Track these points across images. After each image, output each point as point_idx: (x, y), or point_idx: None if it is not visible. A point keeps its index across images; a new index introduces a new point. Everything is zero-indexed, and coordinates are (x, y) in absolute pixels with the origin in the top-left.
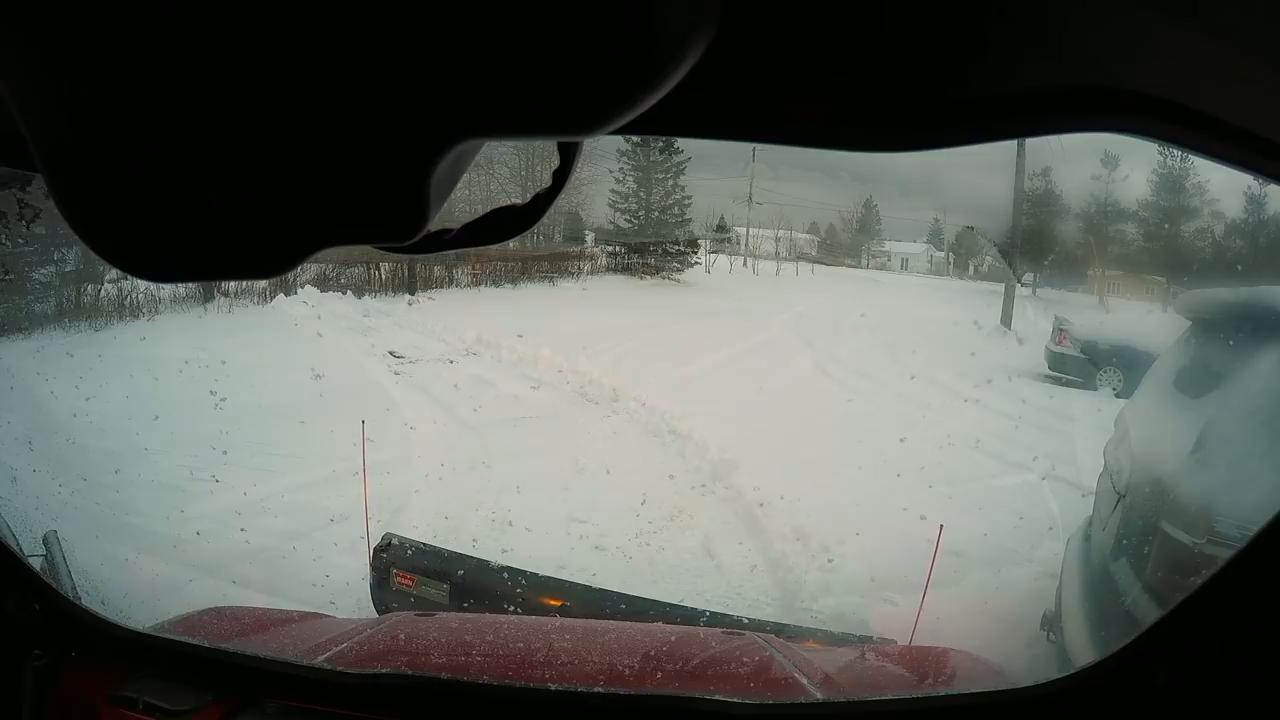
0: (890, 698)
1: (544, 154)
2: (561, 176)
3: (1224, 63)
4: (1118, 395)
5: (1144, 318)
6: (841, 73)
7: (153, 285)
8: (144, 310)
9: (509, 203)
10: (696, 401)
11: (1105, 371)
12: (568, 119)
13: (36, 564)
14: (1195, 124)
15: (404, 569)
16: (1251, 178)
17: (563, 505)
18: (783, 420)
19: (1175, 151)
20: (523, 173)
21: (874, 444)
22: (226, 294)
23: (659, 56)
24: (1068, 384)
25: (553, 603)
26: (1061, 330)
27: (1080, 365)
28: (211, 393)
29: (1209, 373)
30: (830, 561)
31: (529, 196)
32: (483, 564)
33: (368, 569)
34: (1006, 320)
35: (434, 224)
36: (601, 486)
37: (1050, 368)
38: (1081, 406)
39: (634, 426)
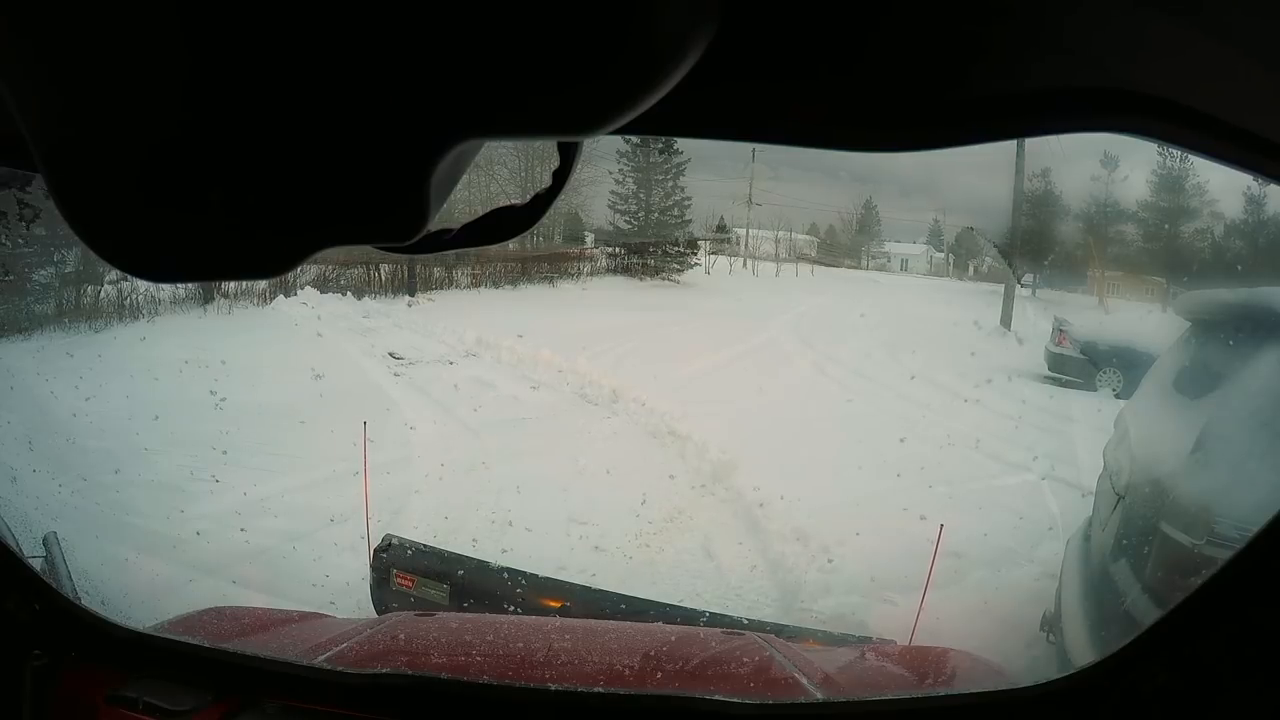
0: (890, 698)
1: (544, 155)
2: (561, 177)
3: (1224, 62)
4: (1117, 396)
5: (1144, 318)
6: (841, 73)
7: (152, 286)
8: (144, 312)
9: (509, 203)
10: (696, 402)
11: (1105, 372)
12: (568, 119)
13: (36, 565)
14: (1195, 124)
15: (404, 570)
16: (1251, 178)
17: (563, 506)
18: (782, 421)
19: (1175, 152)
20: (522, 174)
21: (874, 444)
22: (226, 295)
23: (659, 57)
24: (1067, 385)
25: (552, 604)
26: (1061, 331)
27: (1080, 366)
28: (211, 392)
29: (1208, 374)
30: (830, 562)
31: (529, 197)
32: (483, 565)
33: (368, 569)
34: (1006, 321)
35: (434, 224)
36: (601, 487)
37: (1050, 368)
38: (1081, 407)
39: (634, 427)
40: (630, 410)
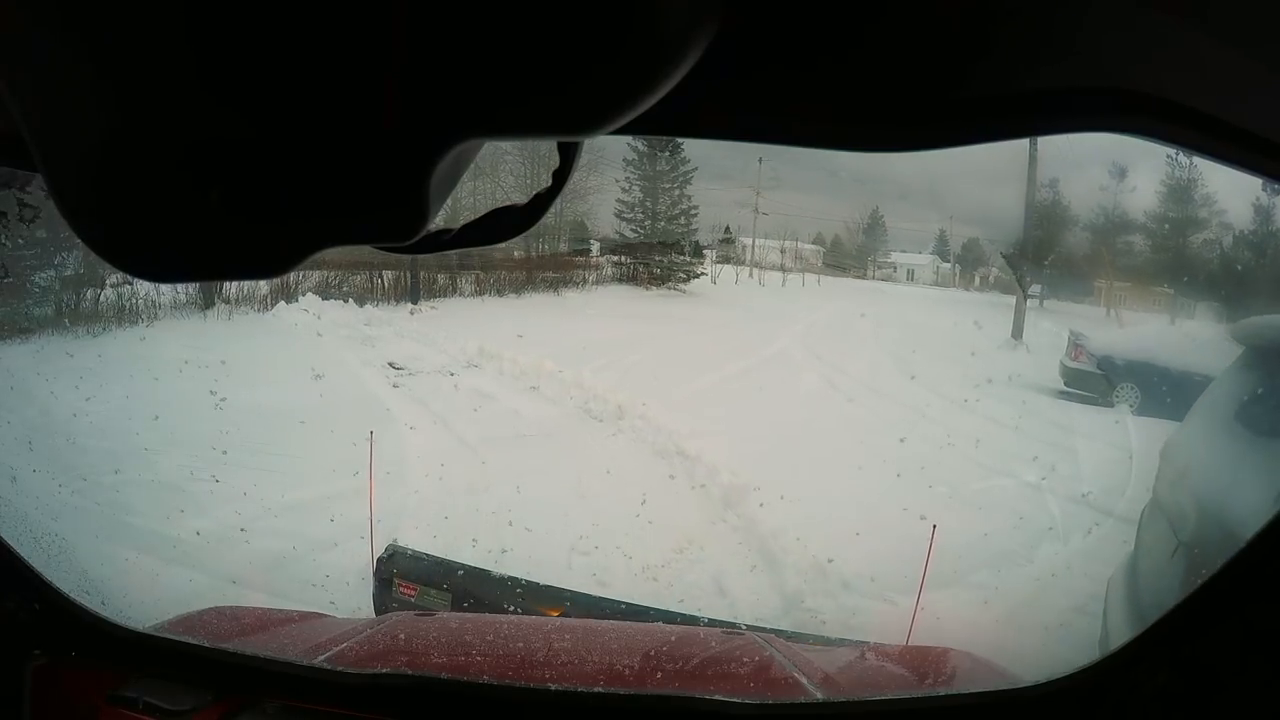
0: (890, 698)
1: (549, 162)
2: (561, 177)
3: (1225, 63)
4: (1135, 413)
5: (1160, 332)
6: (842, 73)
7: (151, 291)
8: (142, 317)
9: (509, 203)
10: (705, 420)
11: (1122, 388)
12: (568, 119)
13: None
14: (1196, 124)
15: (407, 578)
16: (1261, 186)
17: (563, 533)
18: (794, 438)
19: (1184, 161)
20: (528, 180)
21: (888, 458)
22: (227, 300)
23: (660, 56)
24: (1083, 400)
25: (555, 614)
26: (1078, 345)
27: (1097, 381)
28: (212, 392)
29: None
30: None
31: (529, 198)
32: (484, 573)
33: (367, 570)
34: (1017, 333)
35: (436, 228)
36: (606, 514)
37: (1066, 383)
38: (1100, 424)
39: (640, 445)
40: (636, 427)
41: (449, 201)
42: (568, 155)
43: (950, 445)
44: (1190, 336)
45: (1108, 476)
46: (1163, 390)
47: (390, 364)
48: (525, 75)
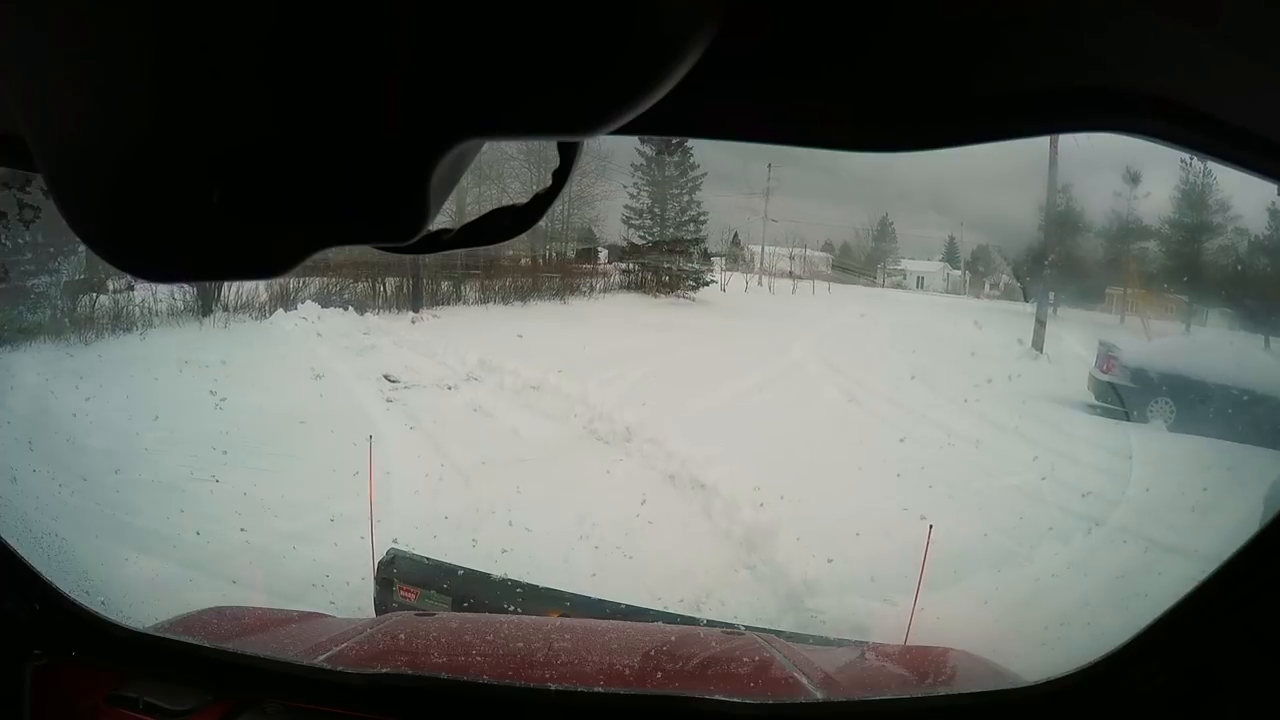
0: (890, 698)
1: (554, 165)
2: (561, 177)
3: (1225, 63)
4: (1170, 429)
5: (1190, 343)
6: (842, 73)
7: (148, 296)
8: (137, 324)
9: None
10: (720, 442)
11: (1155, 402)
12: (568, 119)
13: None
14: (1195, 124)
15: (408, 581)
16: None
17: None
18: (818, 464)
19: (1200, 166)
20: (533, 184)
21: (905, 468)
22: (225, 308)
23: (660, 56)
24: (1115, 416)
25: (555, 615)
26: (1109, 357)
27: (1129, 395)
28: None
29: None
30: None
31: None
32: (484, 576)
33: (367, 570)
34: (1038, 344)
35: (437, 228)
36: (612, 558)
37: (1096, 397)
38: (1136, 441)
39: (650, 473)
40: (645, 451)
41: (454, 207)
42: (568, 155)
43: (970, 461)
44: (1220, 347)
45: (1151, 501)
46: (1199, 405)
47: (385, 376)
48: (525, 76)
